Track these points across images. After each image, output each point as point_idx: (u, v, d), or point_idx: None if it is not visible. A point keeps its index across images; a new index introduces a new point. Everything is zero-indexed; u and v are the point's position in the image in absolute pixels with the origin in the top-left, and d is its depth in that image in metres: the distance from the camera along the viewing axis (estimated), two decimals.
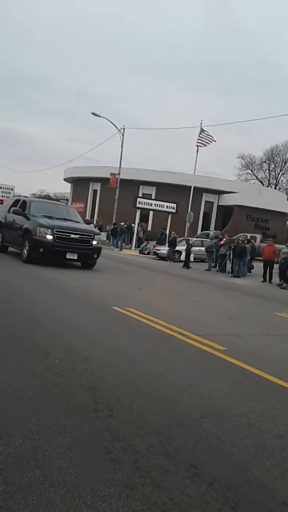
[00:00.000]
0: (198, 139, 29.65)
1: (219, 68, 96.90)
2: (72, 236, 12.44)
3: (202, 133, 29.69)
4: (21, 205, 14.08)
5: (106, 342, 5.36)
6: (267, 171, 66.49)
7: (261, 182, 65.10)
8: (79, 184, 48.33)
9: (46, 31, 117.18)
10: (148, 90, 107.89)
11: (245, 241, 19.14)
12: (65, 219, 13.64)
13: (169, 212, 29.81)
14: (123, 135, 32.67)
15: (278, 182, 65.92)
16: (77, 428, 2.97)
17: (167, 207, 29.97)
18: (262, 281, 17.05)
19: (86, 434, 2.90)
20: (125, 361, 4.67)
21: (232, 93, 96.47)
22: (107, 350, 5.01)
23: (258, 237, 30.73)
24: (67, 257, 12.42)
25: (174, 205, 29.81)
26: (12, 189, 61.77)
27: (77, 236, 12.54)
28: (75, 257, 12.53)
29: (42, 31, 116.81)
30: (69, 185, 53.46)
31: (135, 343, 5.57)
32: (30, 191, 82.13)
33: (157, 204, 30.39)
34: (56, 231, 12.20)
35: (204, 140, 29.82)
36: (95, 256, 13.07)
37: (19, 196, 18.24)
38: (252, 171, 66.59)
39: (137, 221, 29.91)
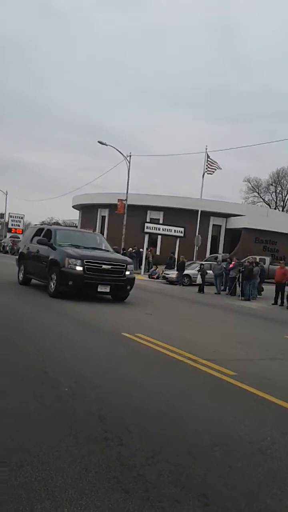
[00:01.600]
0: (206, 166, 30.08)
1: (227, 97, 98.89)
2: (104, 266, 11.40)
3: (208, 160, 30.13)
4: (45, 234, 13.11)
5: (116, 369, 5.36)
6: (273, 193, 66.82)
7: (268, 204, 65.32)
8: (88, 210, 48.88)
9: (57, 66, 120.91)
10: (156, 119, 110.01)
11: (253, 264, 19.11)
12: (93, 248, 12.64)
13: (177, 236, 29.91)
14: (129, 162, 33.18)
15: (286, 204, 66.07)
16: (87, 457, 2.97)
17: (175, 231, 30.09)
18: (272, 304, 16.92)
19: (96, 463, 2.90)
20: (134, 388, 4.67)
21: (239, 120, 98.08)
22: (117, 377, 5.01)
23: (267, 259, 30.59)
24: (99, 290, 11.36)
25: (182, 229, 29.93)
26: (22, 218, 62.83)
27: (109, 266, 11.52)
28: (107, 289, 11.45)
29: (54, 66, 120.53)
30: (77, 212, 54.08)
31: (145, 369, 5.56)
32: (39, 219, 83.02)
33: (165, 229, 30.53)
34: (86, 261, 11.21)
35: (211, 167, 30.24)
36: (128, 287, 12.03)
37: (42, 224, 17.85)
38: (258, 193, 66.95)
39: (145, 246, 30.03)
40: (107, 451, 3.10)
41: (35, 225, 18.87)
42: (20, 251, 14.95)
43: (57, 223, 66.76)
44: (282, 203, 66.16)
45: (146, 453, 3.12)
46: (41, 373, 4.82)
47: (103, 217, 45.87)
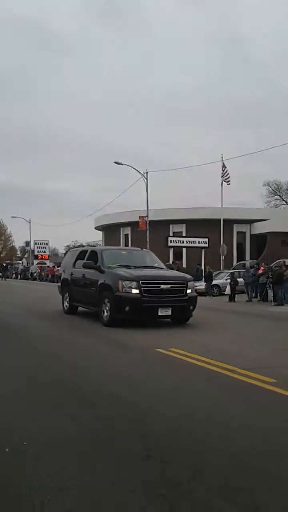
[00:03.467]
0: (222, 175, 30.07)
1: (242, 104, 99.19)
2: (162, 286, 10.20)
3: (224, 168, 30.13)
4: (90, 257, 12.05)
5: (153, 387, 5.31)
6: None
7: None
8: (110, 230, 49.31)
9: (66, 88, 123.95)
10: (171, 133, 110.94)
11: (283, 267, 18.79)
12: (145, 267, 11.53)
13: (201, 247, 29.82)
14: (147, 179, 33.43)
15: None
16: (132, 477, 2.92)
17: (199, 242, 30.04)
18: None
19: (142, 483, 2.85)
20: (173, 404, 4.60)
21: (256, 125, 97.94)
22: (154, 394, 4.96)
23: None
24: (159, 313, 10.07)
25: (206, 239, 29.85)
26: (47, 243, 63.97)
27: (168, 286, 10.32)
28: (169, 312, 10.15)
29: (62, 88, 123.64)
30: (100, 233, 54.61)
31: (182, 384, 5.48)
32: (64, 243, 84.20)
33: (189, 241, 30.54)
34: (142, 283, 9.97)
35: (226, 176, 30.25)
36: (191, 308, 10.75)
37: (83, 246, 16.31)
38: (280, 196, 66.13)
39: (171, 259, 29.99)
40: (151, 469, 3.04)
41: (74, 248, 18.17)
42: (62, 277, 13.81)
43: (81, 246, 67.62)
44: None
45: (192, 468, 3.05)
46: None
47: (126, 235, 46.18)
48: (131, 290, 9.93)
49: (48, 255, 63.79)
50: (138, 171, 33.52)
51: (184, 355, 6.98)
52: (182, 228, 40.49)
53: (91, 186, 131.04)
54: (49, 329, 10.19)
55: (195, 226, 38.00)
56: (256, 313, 14.67)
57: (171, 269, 12.53)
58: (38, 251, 62.30)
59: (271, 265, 20.87)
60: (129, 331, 9.45)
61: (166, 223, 39.58)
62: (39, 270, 48.29)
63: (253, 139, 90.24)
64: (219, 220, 31.23)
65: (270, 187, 65.68)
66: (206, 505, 2.60)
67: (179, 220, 40.23)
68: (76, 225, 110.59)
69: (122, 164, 32.85)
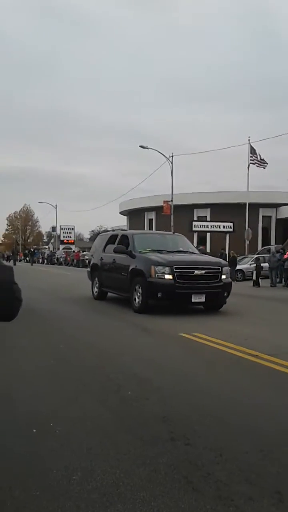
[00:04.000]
0: (251, 158, 29.45)
1: (269, 84, 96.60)
2: (196, 272, 9.90)
3: (254, 155, 29.45)
4: (120, 241, 11.73)
5: (176, 370, 5.36)
6: None
7: None
8: (135, 215, 49.33)
9: (89, 74, 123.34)
10: (199, 115, 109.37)
11: None
12: (178, 252, 11.28)
13: (226, 232, 29.55)
14: (172, 162, 33.19)
15: None
16: (155, 459, 2.98)
17: (223, 227, 29.76)
18: None
19: (165, 464, 2.91)
20: (196, 387, 4.64)
21: (282, 106, 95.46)
22: (178, 378, 5.01)
23: None
24: (193, 300, 9.85)
25: (231, 224, 29.53)
26: (72, 229, 64.58)
27: (203, 271, 10.01)
28: (202, 299, 9.89)
29: (85, 74, 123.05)
30: (125, 217, 54.72)
31: (205, 368, 5.52)
32: (89, 229, 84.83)
33: (213, 225, 30.31)
34: (176, 268, 9.72)
35: (258, 161, 29.59)
36: (225, 294, 10.49)
37: (113, 231, 15.57)
38: None
39: (195, 244, 29.87)
40: (174, 451, 3.10)
41: (105, 231, 16.49)
42: (92, 262, 13.48)
43: (105, 231, 67.94)
44: None
45: (214, 451, 3.09)
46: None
47: (150, 220, 46.15)
48: (164, 275, 9.69)
49: (74, 240, 64.44)
50: (164, 155, 33.31)
51: (208, 339, 7.00)
52: (206, 213, 40.13)
53: (116, 171, 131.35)
54: (78, 315, 10.32)
55: (220, 210, 37.60)
56: (281, 298, 14.51)
57: (204, 253, 11.92)
58: (64, 236, 63.01)
59: None
60: (157, 317, 9.50)
61: (191, 208, 39.32)
62: (65, 255, 48.85)
63: (278, 120, 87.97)
64: (245, 204, 30.82)
65: None
66: (228, 488, 2.63)
67: (204, 205, 39.87)
68: (101, 210, 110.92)
69: (148, 148, 32.67)
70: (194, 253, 11.59)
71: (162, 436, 3.34)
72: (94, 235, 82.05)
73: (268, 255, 22.10)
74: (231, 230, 29.81)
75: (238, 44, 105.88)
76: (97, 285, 12.62)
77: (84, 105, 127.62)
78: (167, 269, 9.69)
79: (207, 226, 30.67)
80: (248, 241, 29.55)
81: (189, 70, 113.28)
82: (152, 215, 45.11)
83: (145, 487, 2.64)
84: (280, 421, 3.72)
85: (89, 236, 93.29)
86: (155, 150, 32.82)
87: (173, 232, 14.79)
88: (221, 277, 10.21)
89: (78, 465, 2.89)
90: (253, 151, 29.69)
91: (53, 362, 5.63)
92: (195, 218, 37.22)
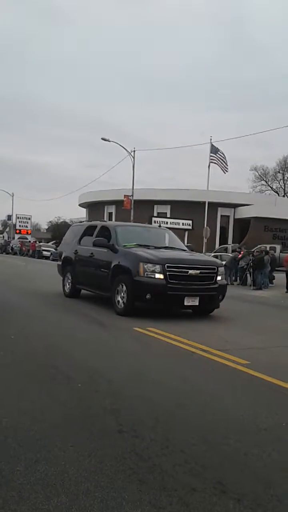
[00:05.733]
0: (212, 158, 29.76)
1: (239, 86, 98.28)
2: (191, 272, 8.73)
3: (217, 153, 29.76)
4: (100, 233, 10.44)
5: (128, 363, 5.37)
6: (281, 181, 66.32)
7: (276, 192, 64.84)
8: (94, 208, 49.01)
9: (56, 63, 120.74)
10: (162, 113, 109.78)
11: (263, 252, 19.00)
12: (166, 248, 10.21)
13: (185, 229, 29.89)
14: (134, 157, 33.14)
15: None
16: (102, 450, 2.97)
17: (182, 224, 30.14)
18: (286, 292, 16.77)
19: (111, 456, 2.91)
20: (147, 381, 4.67)
21: (247, 109, 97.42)
22: (129, 371, 5.02)
23: (278, 247, 30.45)
24: (186, 303, 8.72)
25: (190, 221, 29.93)
26: (29, 218, 63.31)
27: (198, 271, 8.85)
28: (196, 302, 8.78)
29: (51, 64, 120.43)
30: (84, 210, 54.22)
31: (157, 362, 5.57)
32: (47, 219, 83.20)
33: (173, 222, 30.57)
34: (168, 266, 8.56)
35: (219, 162, 29.87)
36: (220, 297, 9.46)
37: (91, 221, 13.50)
38: (266, 182, 66.52)
39: None
40: (122, 443, 3.10)
41: (81, 222, 14.40)
42: (63, 255, 11.91)
43: (64, 222, 66.95)
44: None
45: (161, 443, 3.12)
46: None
47: (110, 214, 46.03)
48: (154, 274, 8.48)
49: (30, 230, 63.19)
50: (125, 149, 33.20)
51: (160, 334, 7.06)
52: (167, 209, 40.50)
53: (78, 162, 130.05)
54: (35, 307, 10.12)
55: (180, 207, 38.05)
56: (234, 296, 14.83)
57: (193, 251, 10.98)
58: (20, 226, 61.64)
59: (252, 250, 21.07)
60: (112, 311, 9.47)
61: (151, 203, 39.54)
62: (20, 245, 47.83)
63: (243, 122, 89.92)
64: (204, 202, 31.26)
65: (257, 172, 65.98)
66: (172, 479, 2.66)
67: (164, 201, 40.21)
68: (60, 201, 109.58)
69: (110, 141, 32.45)
70: (184, 250, 10.47)
71: (110, 428, 3.34)
72: (52, 226, 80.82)
73: (226, 254, 22.57)
74: (190, 227, 30.22)
75: (211, 43, 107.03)
76: (69, 281, 11.30)
77: (49, 94, 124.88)
78: (157, 268, 8.51)
79: (167, 223, 30.81)
80: (206, 239, 30.03)
81: (162, 67, 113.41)
82: (112, 209, 45.01)
83: (90, 478, 2.63)
84: (226, 415, 3.81)
85: (46, 227, 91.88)
86: (117, 143, 32.68)
87: (160, 226, 13.80)
88: (216, 278, 9.20)
89: (23, 456, 2.84)
90: (214, 150, 30.06)
91: (2, 353, 5.49)
92: (155, 214, 37.42)
